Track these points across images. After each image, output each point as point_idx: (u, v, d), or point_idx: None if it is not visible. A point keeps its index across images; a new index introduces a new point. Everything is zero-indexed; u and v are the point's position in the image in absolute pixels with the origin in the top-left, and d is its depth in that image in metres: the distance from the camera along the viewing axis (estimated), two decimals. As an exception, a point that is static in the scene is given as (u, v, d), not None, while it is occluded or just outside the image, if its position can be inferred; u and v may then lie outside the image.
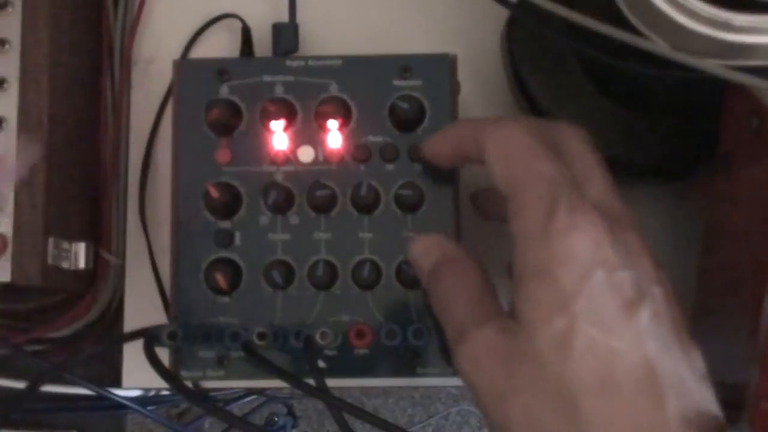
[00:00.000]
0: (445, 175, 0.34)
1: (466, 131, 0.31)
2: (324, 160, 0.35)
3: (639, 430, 0.24)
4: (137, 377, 0.41)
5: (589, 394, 0.25)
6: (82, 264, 0.39)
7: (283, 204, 0.34)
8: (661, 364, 0.25)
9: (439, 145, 0.33)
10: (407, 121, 0.35)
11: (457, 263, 0.31)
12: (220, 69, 0.35)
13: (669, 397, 0.24)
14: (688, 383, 0.25)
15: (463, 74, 0.36)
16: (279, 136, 0.35)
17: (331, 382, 0.31)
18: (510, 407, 0.26)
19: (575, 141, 0.30)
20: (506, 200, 0.28)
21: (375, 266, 0.34)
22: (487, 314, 0.29)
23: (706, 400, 0.26)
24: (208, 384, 0.42)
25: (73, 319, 0.41)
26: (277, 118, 0.35)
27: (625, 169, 0.36)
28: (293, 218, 0.35)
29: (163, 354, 0.32)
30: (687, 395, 0.25)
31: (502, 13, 0.38)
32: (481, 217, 0.38)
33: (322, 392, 0.30)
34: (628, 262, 0.26)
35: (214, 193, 0.34)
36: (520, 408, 0.26)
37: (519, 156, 0.28)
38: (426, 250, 0.32)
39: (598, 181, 0.29)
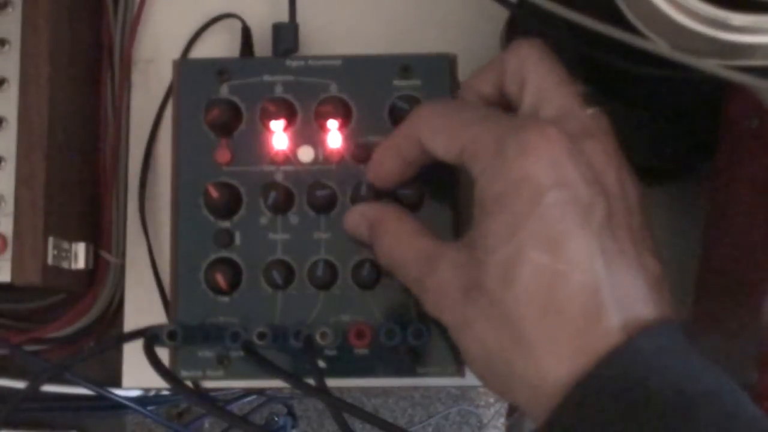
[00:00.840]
0: (445, 175, 0.34)
1: (398, 140, 0.32)
2: (324, 160, 0.35)
3: (581, 349, 0.25)
4: (137, 377, 0.41)
5: (531, 320, 0.25)
6: (82, 264, 0.40)
7: (283, 204, 0.34)
8: (607, 281, 0.25)
9: (383, 167, 0.33)
10: (407, 121, 0.35)
11: (384, 222, 0.32)
12: (220, 69, 0.35)
13: (612, 312, 0.25)
14: (636, 293, 0.26)
15: (463, 74, 0.36)
16: (279, 136, 0.35)
17: (331, 382, 0.31)
18: (467, 337, 0.28)
19: (526, 64, 0.30)
20: (466, 166, 0.28)
21: (375, 266, 0.34)
22: (432, 257, 0.30)
23: (655, 305, 0.26)
24: (208, 384, 0.42)
25: (73, 319, 0.41)
26: (277, 118, 0.35)
27: (625, 169, 0.36)
28: (293, 218, 0.35)
29: (163, 354, 0.32)
30: (633, 305, 0.25)
31: (502, 13, 0.38)
32: None
33: (322, 392, 0.31)
34: (588, 176, 0.26)
35: (214, 193, 0.34)
36: (475, 337, 0.27)
37: (450, 122, 0.29)
38: (355, 223, 0.33)
39: (556, 96, 0.29)
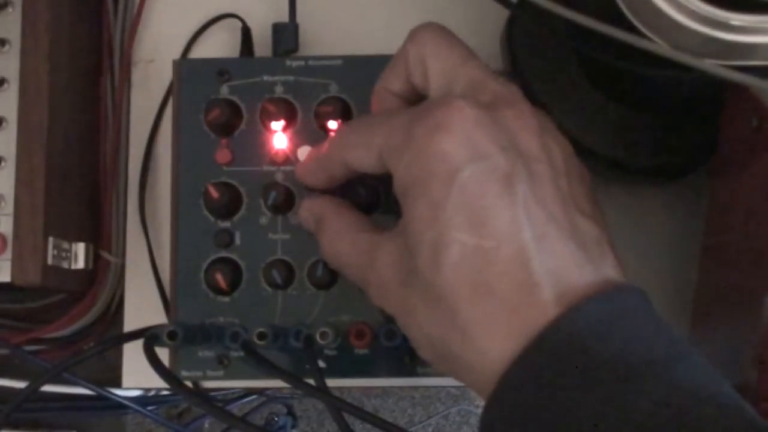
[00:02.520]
0: None
1: (325, 162, 0.32)
2: (324, 160, 0.35)
3: (517, 325, 0.24)
4: (137, 377, 0.41)
5: (464, 301, 0.25)
6: (82, 264, 0.40)
7: (283, 204, 0.34)
8: (536, 252, 0.24)
9: (310, 180, 0.33)
10: (407, 121, 0.35)
11: (325, 217, 0.32)
12: (220, 69, 0.35)
13: (545, 285, 0.24)
14: (570, 260, 0.25)
15: (463, 74, 0.36)
16: (279, 136, 0.35)
17: (331, 382, 0.31)
18: (410, 325, 0.28)
19: (425, 48, 0.29)
20: (389, 169, 0.28)
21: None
22: (370, 250, 0.29)
23: (595, 270, 0.25)
24: (208, 384, 0.42)
25: (73, 319, 0.41)
26: (277, 118, 0.35)
27: (625, 169, 0.36)
28: (293, 218, 0.35)
29: (163, 354, 0.32)
30: (567, 274, 0.25)
31: (502, 13, 0.38)
32: None
33: (322, 392, 0.30)
34: (504, 143, 0.26)
35: (214, 193, 0.34)
36: (416, 324, 0.27)
37: (365, 133, 0.29)
38: (303, 218, 0.33)
39: (462, 73, 0.29)
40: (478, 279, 0.25)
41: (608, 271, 0.26)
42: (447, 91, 0.29)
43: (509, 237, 0.24)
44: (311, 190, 0.34)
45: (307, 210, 0.33)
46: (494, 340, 0.24)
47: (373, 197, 0.34)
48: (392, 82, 0.31)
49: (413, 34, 0.30)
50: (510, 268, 0.24)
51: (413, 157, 0.26)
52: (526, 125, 0.27)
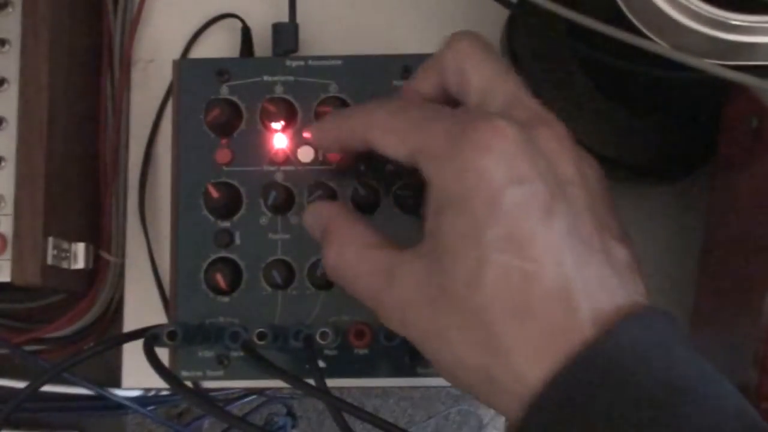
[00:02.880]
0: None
1: (343, 131, 0.30)
2: (324, 160, 0.35)
3: (555, 348, 0.24)
4: (137, 377, 0.41)
5: (503, 323, 0.25)
6: (81, 264, 0.39)
7: (283, 204, 0.34)
8: (576, 275, 0.25)
9: (322, 142, 0.32)
10: (407, 121, 0.35)
11: (335, 228, 0.30)
12: (220, 69, 0.35)
13: (583, 308, 0.24)
14: (605, 284, 0.25)
15: (463, 74, 0.36)
16: (279, 136, 0.35)
17: (331, 382, 0.31)
18: (438, 347, 0.27)
19: (465, 60, 0.29)
20: (417, 167, 0.27)
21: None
22: (389, 270, 0.28)
23: (627, 294, 0.25)
24: (208, 384, 0.42)
25: (73, 319, 0.41)
26: (277, 118, 0.35)
27: (625, 169, 0.36)
28: (293, 218, 0.35)
29: (163, 354, 0.32)
30: (603, 298, 0.25)
31: (502, 13, 0.38)
32: None
33: (322, 392, 0.30)
34: (542, 168, 0.26)
35: (214, 193, 0.34)
36: (447, 346, 0.26)
37: (400, 124, 0.28)
38: (309, 224, 0.32)
39: (500, 87, 0.28)
40: (519, 301, 0.25)
41: (639, 295, 0.26)
42: (485, 104, 0.28)
43: (550, 260, 0.25)
44: (313, 190, 0.34)
45: (314, 216, 0.32)
46: (532, 362, 0.24)
47: (373, 197, 0.34)
48: (424, 86, 0.31)
49: (452, 42, 0.30)
50: (551, 292, 0.24)
51: (456, 172, 0.26)
52: (562, 148, 0.27)
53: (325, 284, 0.34)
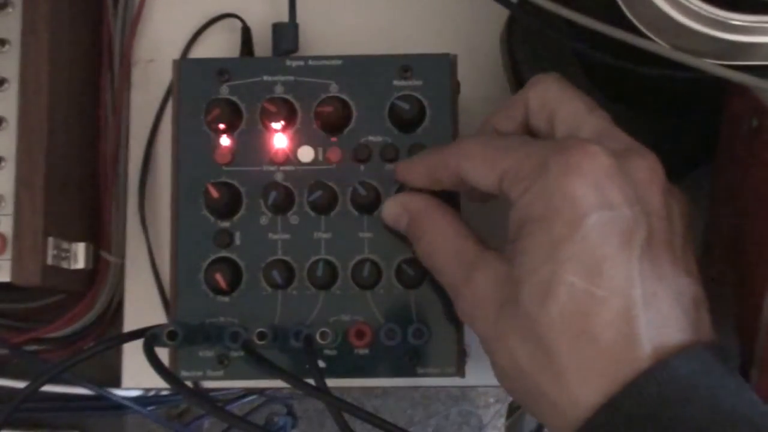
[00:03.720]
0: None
1: (434, 165, 0.31)
2: (324, 160, 0.35)
3: (611, 375, 0.24)
4: (137, 377, 0.41)
5: (565, 344, 0.25)
6: (82, 264, 0.40)
7: (283, 204, 0.34)
8: (643, 308, 0.25)
9: (411, 179, 0.33)
10: (407, 121, 0.35)
11: (427, 217, 0.31)
12: (220, 69, 0.35)
13: (645, 340, 0.25)
14: (671, 319, 0.25)
15: (463, 74, 0.36)
16: (279, 136, 0.35)
17: (331, 382, 0.31)
18: (498, 350, 0.27)
19: (556, 94, 0.30)
20: (504, 193, 0.28)
21: (375, 266, 0.34)
22: (471, 263, 0.29)
23: (691, 330, 0.26)
24: (208, 384, 0.42)
25: (73, 319, 0.41)
26: (277, 118, 0.35)
27: (625, 169, 0.36)
28: (293, 218, 0.35)
29: (163, 354, 0.32)
30: (667, 332, 0.25)
31: (502, 13, 0.38)
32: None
33: (322, 392, 0.30)
34: (631, 197, 0.26)
35: (214, 193, 0.34)
36: (507, 352, 0.27)
37: (491, 152, 0.29)
38: (396, 214, 0.33)
39: (590, 120, 0.29)
40: (583, 325, 0.25)
41: (704, 331, 0.26)
42: (574, 135, 0.29)
43: (620, 290, 0.25)
44: (313, 190, 0.34)
45: (401, 205, 0.33)
46: (587, 386, 0.25)
47: (373, 197, 0.34)
48: (504, 124, 0.31)
49: (534, 82, 0.30)
50: (616, 321, 0.25)
51: (541, 190, 0.26)
52: (653, 179, 0.27)
53: (325, 284, 0.34)
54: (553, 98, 0.30)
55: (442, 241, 0.31)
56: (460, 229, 0.31)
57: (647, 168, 0.27)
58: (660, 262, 0.26)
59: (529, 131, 0.31)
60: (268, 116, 0.35)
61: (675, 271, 0.26)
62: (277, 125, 0.35)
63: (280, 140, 0.35)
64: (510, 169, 0.27)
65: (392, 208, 0.33)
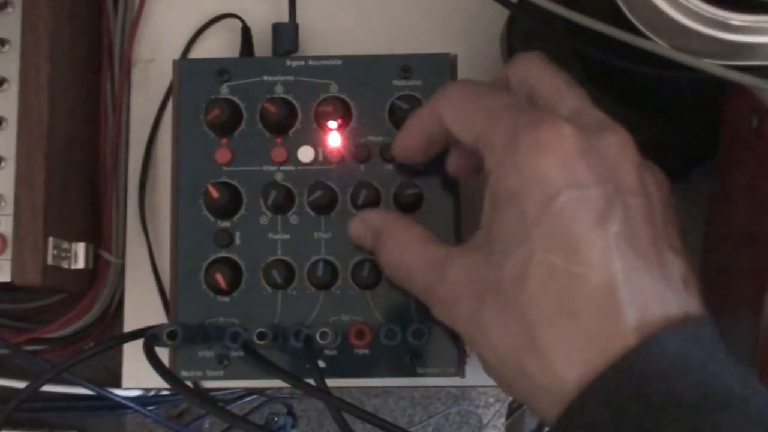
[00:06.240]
0: (444, 175, 0.34)
1: (424, 116, 0.31)
2: (324, 160, 0.35)
3: (595, 352, 0.24)
4: (137, 377, 0.41)
5: (546, 322, 0.25)
6: (82, 264, 0.40)
7: (283, 204, 0.34)
8: (623, 282, 0.25)
9: (407, 141, 0.33)
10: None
11: (389, 231, 0.32)
12: (220, 69, 0.35)
13: (628, 314, 0.24)
14: (655, 294, 0.25)
15: (463, 74, 0.36)
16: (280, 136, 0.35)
17: (331, 382, 0.31)
18: (481, 342, 0.27)
19: (535, 71, 0.30)
20: (480, 154, 0.28)
21: (375, 266, 0.34)
22: (441, 263, 0.29)
23: (678, 305, 0.25)
24: (208, 384, 0.42)
25: (73, 319, 0.41)
26: (277, 118, 0.35)
27: (625, 169, 0.36)
28: (293, 218, 0.35)
29: (163, 354, 0.32)
30: (651, 307, 0.25)
31: (502, 13, 0.38)
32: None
33: (322, 392, 0.30)
34: (602, 175, 0.26)
35: (214, 193, 0.34)
36: (490, 342, 0.27)
37: (471, 106, 0.29)
38: (359, 231, 0.33)
39: (568, 96, 0.29)
40: (563, 302, 0.25)
41: (692, 306, 0.26)
42: (552, 105, 0.29)
43: (599, 266, 0.25)
44: (313, 190, 0.34)
45: (364, 223, 0.33)
46: (571, 364, 0.25)
47: (373, 197, 0.34)
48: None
49: (516, 59, 0.31)
50: (596, 296, 0.25)
51: (513, 168, 0.26)
52: (627, 156, 0.27)
53: (325, 284, 0.34)
54: (533, 75, 0.30)
55: (407, 251, 0.31)
56: (423, 236, 0.31)
57: (619, 145, 0.27)
58: (639, 239, 0.26)
59: None
60: (268, 116, 0.35)
61: (657, 246, 0.26)
62: (277, 125, 0.35)
63: (280, 140, 0.35)
64: (485, 134, 0.27)
65: (355, 228, 0.33)
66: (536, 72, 0.30)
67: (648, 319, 0.24)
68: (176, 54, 0.42)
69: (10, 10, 0.38)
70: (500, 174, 0.27)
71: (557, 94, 0.29)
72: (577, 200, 0.25)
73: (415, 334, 0.32)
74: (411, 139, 0.32)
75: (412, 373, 0.34)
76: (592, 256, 0.25)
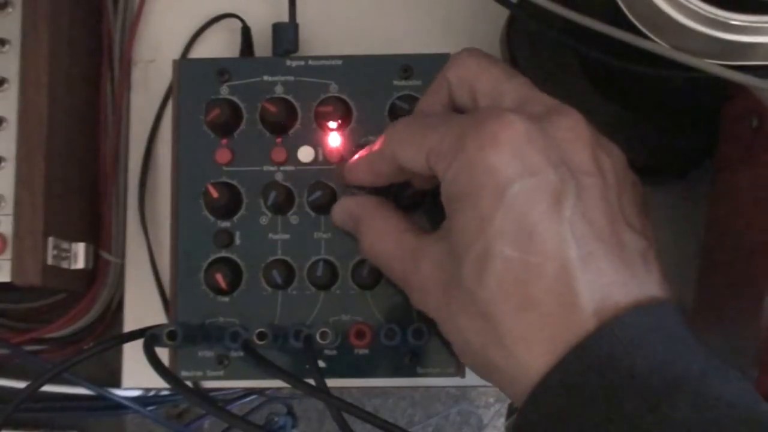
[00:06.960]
0: None
1: (374, 155, 0.31)
2: (324, 160, 0.35)
3: (556, 340, 0.25)
4: (137, 377, 0.41)
5: (506, 314, 0.25)
6: (81, 264, 0.39)
7: (283, 204, 0.34)
8: (581, 269, 0.25)
9: (358, 177, 0.33)
10: (407, 121, 0.35)
11: (368, 217, 0.32)
12: (220, 69, 0.35)
13: (587, 300, 0.24)
14: (613, 276, 0.25)
15: (463, 74, 0.36)
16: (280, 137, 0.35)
17: (331, 382, 0.31)
18: (451, 331, 0.28)
19: (474, 68, 0.29)
20: (433, 170, 0.28)
21: (375, 266, 0.34)
22: (414, 252, 0.29)
23: (638, 285, 0.25)
24: (208, 384, 0.42)
25: (73, 319, 0.41)
26: (277, 118, 0.35)
27: (625, 169, 0.36)
28: (293, 218, 0.35)
29: (163, 354, 0.32)
30: (609, 290, 0.25)
31: (502, 13, 0.38)
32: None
33: (322, 392, 0.30)
34: (554, 158, 0.26)
35: (214, 193, 0.34)
36: (457, 332, 0.27)
37: (417, 133, 0.29)
38: (340, 218, 0.33)
39: (510, 88, 0.29)
40: (522, 293, 0.25)
41: (652, 286, 0.26)
42: (496, 104, 0.29)
43: (554, 254, 0.25)
44: (313, 190, 0.34)
45: (345, 210, 0.33)
46: (534, 353, 0.25)
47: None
48: (430, 107, 0.31)
49: (453, 60, 0.30)
50: (553, 285, 0.25)
51: (462, 167, 0.26)
52: (578, 136, 0.27)
53: (325, 284, 0.34)
54: (471, 72, 0.29)
55: (383, 238, 0.31)
56: (399, 223, 0.31)
57: (570, 126, 0.27)
58: (595, 219, 0.26)
59: (457, 110, 0.31)
60: (268, 116, 0.35)
61: (613, 225, 0.26)
62: (277, 125, 0.35)
63: (280, 140, 0.35)
64: (433, 148, 0.27)
65: (337, 213, 0.34)
66: (473, 69, 0.29)
67: (607, 304, 0.25)
68: (176, 54, 0.42)
69: (10, 10, 0.38)
70: (451, 177, 0.27)
71: (498, 88, 0.29)
72: (530, 188, 0.25)
73: (415, 334, 0.32)
74: (362, 179, 0.32)
75: (412, 373, 0.34)
76: (547, 244, 0.25)
